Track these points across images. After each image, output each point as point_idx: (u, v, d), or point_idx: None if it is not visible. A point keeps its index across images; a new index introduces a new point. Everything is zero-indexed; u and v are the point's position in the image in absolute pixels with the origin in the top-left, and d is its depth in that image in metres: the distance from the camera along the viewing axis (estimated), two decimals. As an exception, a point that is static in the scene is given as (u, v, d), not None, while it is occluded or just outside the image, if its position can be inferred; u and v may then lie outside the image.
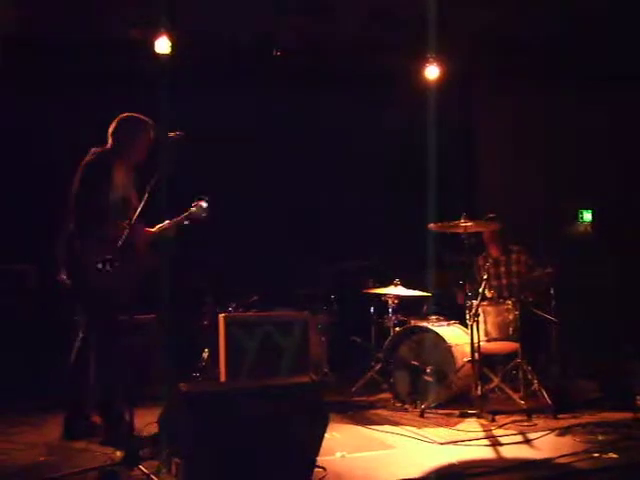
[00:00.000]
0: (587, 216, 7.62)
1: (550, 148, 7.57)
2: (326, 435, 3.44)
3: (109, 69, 6.47)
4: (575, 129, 7.51)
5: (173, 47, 6.15)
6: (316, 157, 7.30)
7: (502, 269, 6.12)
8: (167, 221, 4.42)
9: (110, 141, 4.36)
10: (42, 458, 3.79)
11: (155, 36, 6.14)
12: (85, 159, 4.23)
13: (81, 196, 4.11)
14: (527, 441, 4.12)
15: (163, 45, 6.18)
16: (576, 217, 7.62)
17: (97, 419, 4.24)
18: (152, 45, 6.14)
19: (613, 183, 7.41)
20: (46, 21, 6.31)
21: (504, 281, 6.09)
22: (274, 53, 6.77)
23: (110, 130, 4.38)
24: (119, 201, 4.16)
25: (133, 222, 3.74)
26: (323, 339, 6.30)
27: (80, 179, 4.16)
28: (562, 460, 3.64)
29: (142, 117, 4.41)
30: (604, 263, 6.82)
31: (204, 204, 4.42)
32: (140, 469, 3.35)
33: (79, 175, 4.17)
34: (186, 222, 4.42)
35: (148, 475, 3.27)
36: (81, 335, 4.23)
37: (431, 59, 6.79)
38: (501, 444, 4.07)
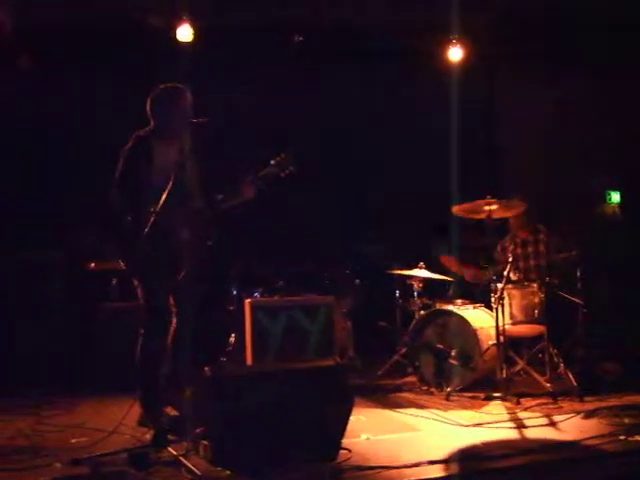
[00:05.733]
0: (615, 197, 7.51)
1: (577, 128, 7.45)
2: (351, 418, 3.48)
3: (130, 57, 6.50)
4: (602, 109, 7.39)
5: (195, 35, 6.18)
6: (339, 138, 7.28)
7: (530, 249, 6.06)
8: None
9: (151, 121, 4.20)
10: (73, 440, 3.88)
11: (176, 24, 6.17)
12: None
13: (115, 184, 4.05)
14: (552, 424, 4.10)
15: (185, 33, 6.21)
16: (604, 198, 7.52)
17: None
18: (174, 33, 6.17)
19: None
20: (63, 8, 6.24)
21: (532, 262, 6.03)
22: (295, 39, 6.75)
23: (147, 110, 4.20)
24: (162, 183, 3.79)
25: (161, 205, 3.66)
26: (348, 323, 6.32)
27: (118, 166, 4.09)
28: (587, 443, 3.62)
29: (172, 85, 4.21)
30: (631, 245, 6.72)
31: (287, 156, 4.30)
32: (169, 451, 3.41)
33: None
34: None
35: (177, 456, 3.33)
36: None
37: (454, 41, 6.74)
38: (526, 426, 4.06)
